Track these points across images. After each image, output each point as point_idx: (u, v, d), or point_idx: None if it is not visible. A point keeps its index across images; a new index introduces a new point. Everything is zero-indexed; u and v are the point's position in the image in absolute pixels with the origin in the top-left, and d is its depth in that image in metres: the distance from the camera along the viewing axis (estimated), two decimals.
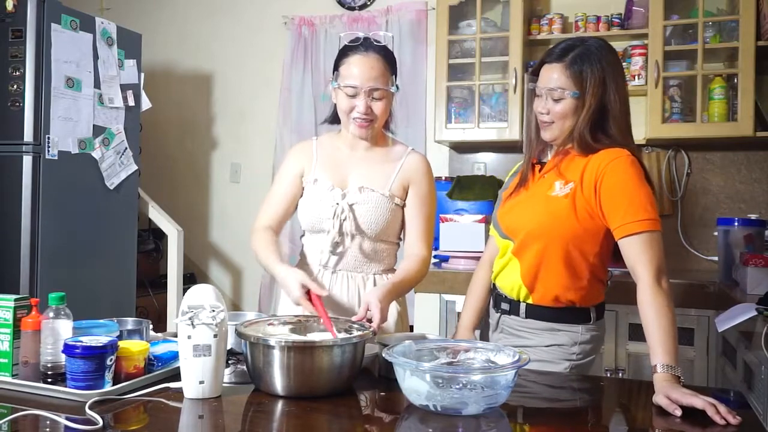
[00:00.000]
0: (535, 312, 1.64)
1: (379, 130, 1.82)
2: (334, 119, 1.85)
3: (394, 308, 1.81)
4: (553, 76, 1.60)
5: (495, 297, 1.74)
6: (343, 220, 1.74)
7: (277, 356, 1.30)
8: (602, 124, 1.59)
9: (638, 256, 1.47)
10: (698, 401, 1.22)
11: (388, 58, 1.75)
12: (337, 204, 1.74)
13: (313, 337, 1.48)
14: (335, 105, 1.80)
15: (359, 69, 1.70)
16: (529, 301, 1.64)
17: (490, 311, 1.77)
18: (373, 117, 1.73)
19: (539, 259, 1.60)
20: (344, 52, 1.75)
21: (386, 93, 1.73)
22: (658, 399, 1.28)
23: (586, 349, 1.64)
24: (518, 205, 1.68)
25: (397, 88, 1.77)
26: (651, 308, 1.41)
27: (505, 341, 1.67)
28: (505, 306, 1.69)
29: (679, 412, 1.22)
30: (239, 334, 1.38)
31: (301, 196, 1.83)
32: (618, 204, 1.51)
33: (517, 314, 1.66)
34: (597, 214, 1.56)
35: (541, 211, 1.60)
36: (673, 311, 1.41)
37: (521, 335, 1.66)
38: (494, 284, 1.75)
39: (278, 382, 1.31)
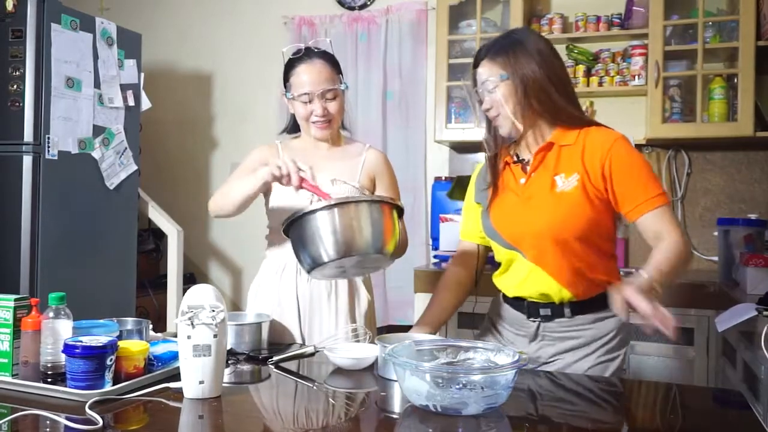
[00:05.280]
0: (581, 307, 1.62)
1: (337, 130, 1.92)
2: (293, 128, 1.98)
3: (364, 296, 1.90)
4: (482, 74, 1.63)
5: (528, 307, 1.66)
6: None
7: (323, 216, 1.47)
8: (566, 96, 1.61)
9: (662, 225, 1.53)
10: (644, 305, 1.27)
11: (331, 61, 1.86)
12: (312, 201, 1.75)
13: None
14: (293, 115, 1.92)
15: (308, 76, 1.82)
16: (574, 299, 1.61)
17: (523, 322, 1.67)
18: (330, 117, 1.84)
19: (568, 256, 1.57)
20: (291, 65, 1.86)
21: (338, 92, 1.84)
22: (612, 290, 1.35)
23: (627, 330, 1.68)
24: (514, 210, 1.62)
25: (346, 86, 1.87)
26: (672, 244, 1.49)
27: (549, 349, 1.63)
28: (545, 311, 1.63)
29: (623, 315, 1.34)
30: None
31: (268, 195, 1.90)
32: (633, 187, 1.54)
33: (562, 316, 1.62)
34: (605, 197, 1.57)
35: (552, 211, 1.56)
36: (689, 258, 1.52)
37: (568, 336, 1.62)
38: (517, 297, 1.67)
39: (330, 244, 1.47)
